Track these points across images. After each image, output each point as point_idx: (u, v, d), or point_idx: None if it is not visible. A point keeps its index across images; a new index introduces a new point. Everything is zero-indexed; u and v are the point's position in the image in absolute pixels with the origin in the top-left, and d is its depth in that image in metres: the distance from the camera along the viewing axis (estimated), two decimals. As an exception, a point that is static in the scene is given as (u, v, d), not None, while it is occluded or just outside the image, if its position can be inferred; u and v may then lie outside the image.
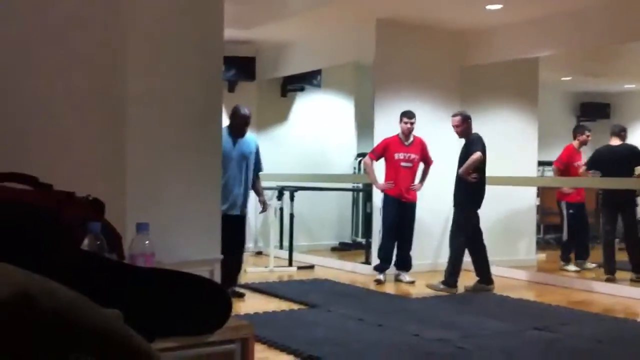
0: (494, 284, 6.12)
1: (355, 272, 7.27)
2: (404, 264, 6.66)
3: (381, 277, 6.59)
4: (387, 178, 6.69)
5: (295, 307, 5.38)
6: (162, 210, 2.67)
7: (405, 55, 7.41)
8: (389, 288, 6.28)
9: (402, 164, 6.62)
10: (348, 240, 9.03)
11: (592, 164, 7.06)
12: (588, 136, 7.59)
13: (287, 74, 8.73)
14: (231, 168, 5.51)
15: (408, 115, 6.67)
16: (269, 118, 8.94)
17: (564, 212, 7.58)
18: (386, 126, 7.26)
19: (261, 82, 8.84)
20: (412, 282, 6.49)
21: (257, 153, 5.85)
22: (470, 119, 6.27)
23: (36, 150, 2.42)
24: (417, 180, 6.68)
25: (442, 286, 5.99)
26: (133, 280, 1.53)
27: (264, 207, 6.20)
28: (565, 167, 7.50)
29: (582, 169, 7.23)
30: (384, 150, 6.71)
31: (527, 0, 6.45)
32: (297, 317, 5.02)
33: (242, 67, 8.56)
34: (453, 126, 6.27)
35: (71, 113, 2.59)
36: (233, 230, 5.20)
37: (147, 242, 1.82)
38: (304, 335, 4.38)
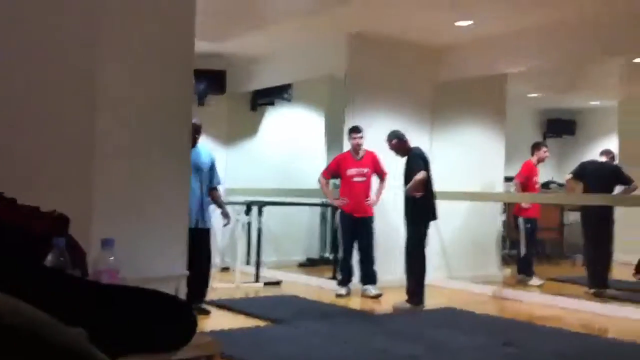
0: (424, 305, 6.05)
1: (323, 287, 7.27)
2: (368, 277, 6.67)
3: (342, 291, 6.63)
4: (342, 194, 6.80)
5: (262, 323, 5.35)
6: (128, 226, 2.65)
7: (376, 69, 7.47)
8: (356, 304, 6.29)
9: (355, 179, 6.70)
10: (316, 255, 9.03)
11: (577, 175, 7.20)
12: (545, 152, 7.77)
13: (257, 87, 8.73)
14: None
15: (355, 130, 6.77)
16: (239, 132, 8.93)
17: (521, 226, 7.67)
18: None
19: (231, 95, 8.83)
20: (378, 296, 6.50)
21: (212, 166, 5.73)
22: (404, 137, 6.27)
23: (0, 164, 2.39)
24: (372, 195, 6.71)
25: (408, 306, 5.96)
26: (97, 297, 1.51)
27: (227, 219, 6.03)
28: (525, 181, 7.60)
29: (568, 176, 7.37)
30: (336, 167, 6.83)
31: (496, 17, 6.56)
32: (263, 333, 5.00)
33: (212, 81, 8.54)
34: (391, 149, 6.27)
35: (37, 127, 2.57)
36: (193, 244, 5.16)
37: (111, 258, 1.81)
38: (270, 352, 4.36)
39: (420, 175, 5.93)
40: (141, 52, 2.90)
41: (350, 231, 6.70)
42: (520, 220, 7.68)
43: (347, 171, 6.72)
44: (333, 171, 6.84)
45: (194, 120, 5.57)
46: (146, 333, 1.52)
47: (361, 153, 6.75)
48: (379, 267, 6.80)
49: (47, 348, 0.86)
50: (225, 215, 5.99)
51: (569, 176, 7.33)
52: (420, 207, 6.00)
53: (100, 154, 2.70)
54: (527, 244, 7.69)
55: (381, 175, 6.82)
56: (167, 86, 3.00)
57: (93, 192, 2.63)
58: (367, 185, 6.75)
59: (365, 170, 6.73)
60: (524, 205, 7.69)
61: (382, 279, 6.75)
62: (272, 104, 9.06)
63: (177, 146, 3.03)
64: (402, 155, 6.22)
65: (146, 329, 1.52)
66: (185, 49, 3.07)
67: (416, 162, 6.04)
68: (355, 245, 6.76)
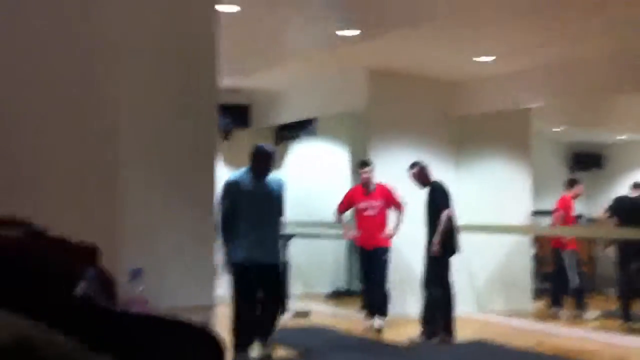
0: (452, 335, 5.93)
1: (351, 319, 7.20)
2: (377, 309, 6.56)
3: (372, 323, 6.51)
4: (357, 227, 6.76)
5: (292, 354, 5.30)
6: (157, 256, 2.66)
7: (397, 104, 7.48)
8: (386, 336, 6.19)
9: (366, 212, 6.68)
10: (342, 287, 8.97)
11: (613, 209, 7.19)
12: (581, 189, 7.84)
13: (281, 122, 8.79)
14: (248, 209, 5.07)
15: (363, 164, 6.78)
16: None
17: (566, 261, 7.56)
18: (381, 174, 7.28)
19: (255, 130, 8.89)
20: (380, 330, 6.37)
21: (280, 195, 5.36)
22: (426, 167, 6.27)
23: (30, 196, 2.42)
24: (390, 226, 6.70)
25: (438, 340, 5.84)
26: (126, 326, 1.51)
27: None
28: (563, 216, 7.63)
29: (604, 213, 7.37)
30: (348, 203, 6.84)
31: (517, 52, 6.56)
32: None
33: (237, 115, 8.62)
34: (411, 178, 6.27)
35: (66, 158, 2.60)
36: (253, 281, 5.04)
37: (141, 288, 1.81)
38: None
39: (444, 216, 5.92)
40: (166, 88, 2.94)
41: (363, 264, 6.68)
42: (566, 253, 7.59)
43: (358, 205, 6.72)
44: (345, 205, 6.86)
45: (265, 148, 5.28)
46: (175, 361, 1.51)
47: (372, 187, 6.71)
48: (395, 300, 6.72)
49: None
50: None
51: (606, 215, 7.27)
52: (444, 243, 5.92)
53: (128, 186, 2.72)
54: (579, 275, 7.62)
55: (397, 206, 6.75)
56: (192, 121, 3.03)
57: (122, 222, 2.65)
58: (380, 218, 6.68)
59: (376, 203, 6.68)
60: (566, 238, 7.66)
61: (403, 312, 6.66)
62: (296, 137, 9.10)
63: (202, 179, 3.04)
64: (422, 185, 6.20)
65: (174, 357, 1.51)
66: (210, 85, 3.11)
67: (440, 196, 6.02)
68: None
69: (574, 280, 7.53)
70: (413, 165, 6.27)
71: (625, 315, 6.76)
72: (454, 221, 6.04)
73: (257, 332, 5.07)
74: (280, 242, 5.44)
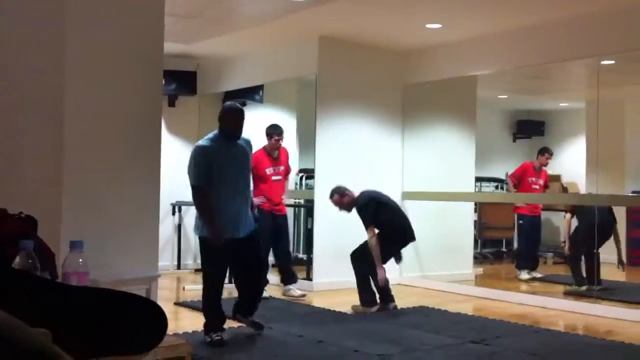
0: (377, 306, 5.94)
1: (279, 288, 7.26)
2: (290, 277, 6.69)
3: (292, 292, 6.66)
4: (259, 193, 6.53)
5: (235, 324, 5.33)
6: (98, 228, 2.63)
7: (347, 72, 7.49)
8: (323, 303, 6.28)
9: (273, 177, 6.63)
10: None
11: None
12: (548, 158, 8.20)
13: (228, 88, 8.70)
14: (227, 176, 4.57)
15: (277, 131, 6.64)
16: (210, 133, 8.87)
17: (515, 223, 8.26)
18: (328, 142, 7.33)
19: (202, 96, 8.79)
20: (303, 296, 6.56)
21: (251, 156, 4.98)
22: (344, 191, 6.02)
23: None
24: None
25: (377, 308, 5.92)
26: (64, 299, 1.50)
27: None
28: (518, 182, 8.08)
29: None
30: (254, 169, 6.36)
31: (465, 20, 6.62)
32: (236, 335, 4.98)
33: (183, 81, 8.50)
34: (336, 207, 6.07)
35: (5, 128, 2.53)
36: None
37: (80, 260, 1.79)
38: (243, 354, 4.35)
39: (372, 240, 5.68)
40: (109, 53, 2.88)
41: (275, 231, 6.59)
42: (515, 216, 8.20)
43: (264, 170, 6.59)
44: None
45: (235, 105, 4.95)
46: (116, 334, 1.51)
47: (276, 152, 6.68)
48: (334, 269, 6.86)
49: (9, 348, 0.85)
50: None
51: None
52: (387, 249, 5.81)
53: (69, 155, 2.67)
54: (519, 240, 8.31)
55: (289, 172, 6.86)
56: (136, 87, 2.98)
57: (62, 193, 2.60)
58: (283, 183, 6.72)
59: (281, 168, 6.72)
60: (518, 204, 8.18)
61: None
62: (244, 104, 9.02)
63: (147, 146, 3.00)
64: (348, 210, 6.03)
65: (116, 330, 1.51)
66: (154, 50, 3.06)
67: (365, 214, 5.80)
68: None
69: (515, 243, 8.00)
70: (331, 194, 6.10)
71: (578, 279, 6.96)
72: (393, 224, 5.89)
73: (244, 308, 4.91)
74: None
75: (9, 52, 2.53)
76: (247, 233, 4.63)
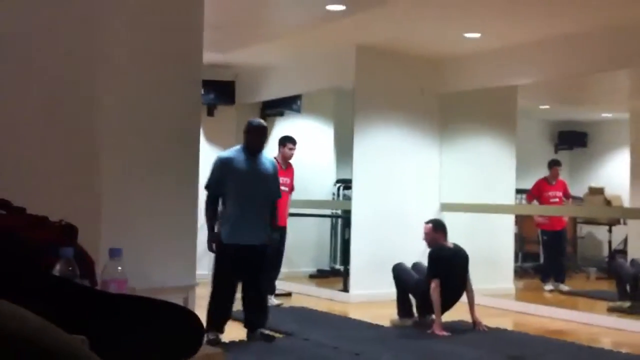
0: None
1: (333, 299, 7.22)
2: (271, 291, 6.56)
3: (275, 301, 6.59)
4: None
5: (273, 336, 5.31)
6: (137, 236, 2.64)
7: (384, 81, 7.45)
8: (366, 316, 6.23)
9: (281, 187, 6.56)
10: (326, 267, 8.99)
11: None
12: (558, 170, 8.37)
13: (266, 98, 8.74)
14: (241, 188, 4.84)
15: (292, 141, 6.74)
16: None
17: (540, 238, 8.35)
18: (366, 152, 7.29)
19: (240, 106, 8.83)
20: (278, 305, 6.46)
21: (275, 175, 5.08)
22: (440, 229, 5.78)
23: (9, 173, 2.38)
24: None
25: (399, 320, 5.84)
26: (103, 306, 1.49)
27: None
28: (538, 198, 8.21)
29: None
30: None
31: (505, 29, 6.54)
32: (272, 345, 4.96)
33: (221, 91, 8.56)
34: (424, 233, 5.84)
35: (47, 137, 2.56)
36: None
37: (119, 268, 1.79)
38: (280, 363, 4.32)
39: (435, 300, 5.43)
40: (148, 61, 2.89)
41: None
42: (539, 232, 8.31)
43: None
44: None
45: (258, 122, 5.06)
46: (152, 343, 1.49)
47: (286, 163, 6.74)
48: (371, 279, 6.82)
49: (44, 354, 0.84)
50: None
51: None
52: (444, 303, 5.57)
53: (108, 164, 2.69)
54: (544, 254, 8.36)
55: (293, 188, 6.86)
56: (176, 96, 2.99)
57: (102, 202, 2.62)
58: (287, 196, 6.65)
59: (288, 181, 6.70)
60: (538, 219, 8.27)
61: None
62: (281, 114, 9.06)
63: (186, 157, 3.01)
64: (428, 244, 5.78)
65: (153, 339, 1.50)
66: (193, 60, 3.07)
67: (431, 268, 5.58)
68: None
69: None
70: (430, 221, 5.92)
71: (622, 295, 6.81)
72: (454, 282, 5.65)
73: (248, 321, 4.98)
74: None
75: (44, 64, 2.55)
76: (252, 244, 4.82)
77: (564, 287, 7.96)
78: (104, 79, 2.73)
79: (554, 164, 8.41)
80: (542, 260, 8.47)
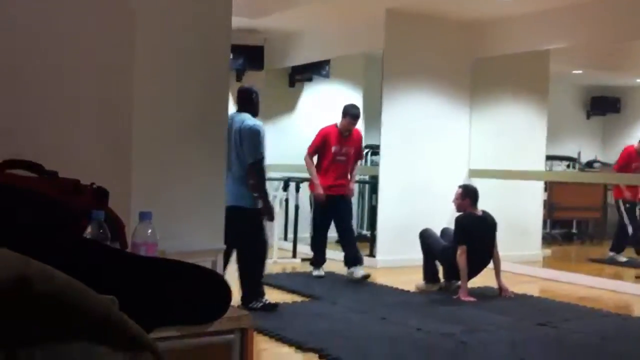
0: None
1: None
2: (353, 259, 6.30)
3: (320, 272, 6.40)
4: (324, 173, 6.39)
5: (299, 299, 5.38)
6: (167, 200, 2.68)
7: (414, 46, 7.37)
8: (391, 281, 6.26)
9: (338, 157, 6.31)
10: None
11: None
12: None
13: (295, 63, 8.71)
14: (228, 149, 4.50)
15: (355, 115, 6.34)
16: (277, 108, 8.92)
17: (621, 207, 7.76)
18: (394, 118, 7.26)
19: (269, 71, 8.82)
20: (366, 277, 6.17)
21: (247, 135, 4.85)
22: (469, 195, 5.72)
23: (42, 137, 2.42)
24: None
25: (425, 284, 5.87)
26: (133, 268, 1.53)
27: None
28: (621, 170, 7.64)
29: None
30: (321, 143, 6.37)
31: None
32: (300, 309, 5.03)
33: (250, 56, 8.54)
34: (454, 197, 5.79)
35: (77, 99, 2.59)
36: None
37: (149, 231, 1.82)
38: (306, 328, 4.39)
39: (462, 269, 5.45)
40: (177, 26, 2.90)
41: (325, 210, 6.32)
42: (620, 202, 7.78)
43: (332, 147, 6.30)
44: (317, 147, 6.39)
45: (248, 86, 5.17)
46: (181, 305, 1.53)
47: (348, 132, 6.34)
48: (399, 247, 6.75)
49: (75, 313, 0.87)
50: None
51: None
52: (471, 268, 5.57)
53: (139, 129, 2.72)
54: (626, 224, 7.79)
55: (360, 156, 6.59)
56: (204, 61, 3.00)
57: (132, 166, 2.66)
58: (348, 165, 6.38)
59: (350, 150, 6.35)
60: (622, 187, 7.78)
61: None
62: (310, 80, 9.02)
63: (213, 122, 3.03)
64: (457, 209, 5.77)
65: (181, 300, 1.53)
66: (223, 23, 3.07)
67: (457, 231, 5.60)
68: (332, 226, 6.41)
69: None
70: (462, 186, 5.91)
71: None
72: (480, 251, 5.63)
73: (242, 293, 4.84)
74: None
75: (75, 36, 2.57)
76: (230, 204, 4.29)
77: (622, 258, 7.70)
78: (133, 45, 2.74)
79: None
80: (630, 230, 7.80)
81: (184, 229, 2.67)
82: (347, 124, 6.32)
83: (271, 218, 5.03)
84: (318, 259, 6.44)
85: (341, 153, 6.34)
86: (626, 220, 7.69)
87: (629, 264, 7.42)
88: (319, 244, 6.46)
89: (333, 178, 6.30)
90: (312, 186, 6.49)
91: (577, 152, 10.07)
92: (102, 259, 1.50)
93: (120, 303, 0.98)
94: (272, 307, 4.82)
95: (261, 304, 4.79)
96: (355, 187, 9.00)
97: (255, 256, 4.93)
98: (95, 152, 2.62)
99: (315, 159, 6.43)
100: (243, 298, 4.81)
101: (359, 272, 6.21)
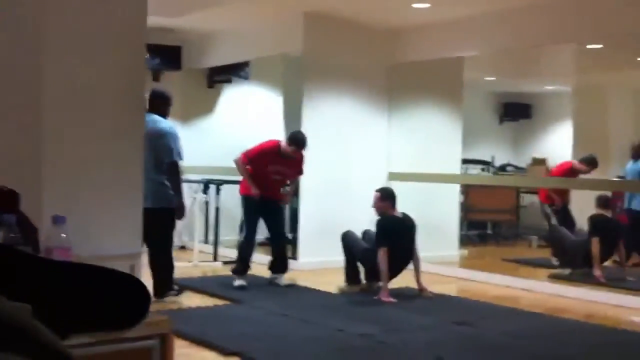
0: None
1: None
2: (280, 267, 6.21)
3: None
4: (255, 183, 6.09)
5: (220, 302, 5.31)
6: (81, 203, 2.58)
7: (332, 49, 7.41)
8: (313, 283, 6.28)
9: (274, 176, 6.04)
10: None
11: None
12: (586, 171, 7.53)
13: (214, 64, 8.61)
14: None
15: (303, 145, 6.00)
16: (195, 109, 8.80)
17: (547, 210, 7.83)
18: (314, 120, 7.27)
19: (187, 72, 8.69)
20: (290, 286, 6.08)
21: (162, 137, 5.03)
22: (389, 198, 5.77)
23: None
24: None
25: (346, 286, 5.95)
26: (47, 273, 1.46)
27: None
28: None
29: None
30: (258, 157, 6.03)
31: (452, 0, 6.56)
32: (220, 313, 4.96)
33: (168, 56, 8.40)
34: (373, 201, 5.80)
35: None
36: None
37: (63, 235, 1.75)
38: (227, 331, 4.33)
39: (382, 269, 5.46)
40: (90, 26, 2.80)
41: (257, 211, 6.09)
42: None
43: (268, 166, 5.98)
44: (252, 160, 6.02)
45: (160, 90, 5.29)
46: (98, 310, 1.47)
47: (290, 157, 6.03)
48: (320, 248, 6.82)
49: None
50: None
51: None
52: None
53: (50, 129, 2.61)
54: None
55: (300, 173, 6.29)
56: (119, 60, 2.91)
57: (44, 168, 2.55)
58: (284, 182, 6.18)
59: (288, 171, 6.12)
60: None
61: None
62: (229, 81, 8.94)
63: (129, 121, 2.95)
64: (377, 212, 5.79)
65: (98, 306, 1.47)
66: (137, 22, 2.98)
67: (378, 233, 5.62)
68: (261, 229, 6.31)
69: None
70: (379, 189, 5.93)
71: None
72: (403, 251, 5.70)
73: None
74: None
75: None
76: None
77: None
78: (45, 44, 2.63)
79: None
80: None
81: (100, 232, 2.58)
82: (291, 152, 5.96)
83: (181, 216, 5.28)
84: (242, 267, 6.07)
85: (277, 172, 6.04)
86: (554, 221, 7.75)
87: (540, 264, 7.70)
88: (246, 249, 6.13)
89: (265, 189, 5.99)
90: (243, 189, 6.16)
91: (490, 156, 10.39)
92: (14, 264, 1.42)
93: (34, 309, 0.93)
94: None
95: (175, 292, 5.22)
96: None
97: (167, 251, 5.24)
98: (4, 154, 2.50)
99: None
100: (157, 290, 5.00)
101: (282, 280, 6.11)
